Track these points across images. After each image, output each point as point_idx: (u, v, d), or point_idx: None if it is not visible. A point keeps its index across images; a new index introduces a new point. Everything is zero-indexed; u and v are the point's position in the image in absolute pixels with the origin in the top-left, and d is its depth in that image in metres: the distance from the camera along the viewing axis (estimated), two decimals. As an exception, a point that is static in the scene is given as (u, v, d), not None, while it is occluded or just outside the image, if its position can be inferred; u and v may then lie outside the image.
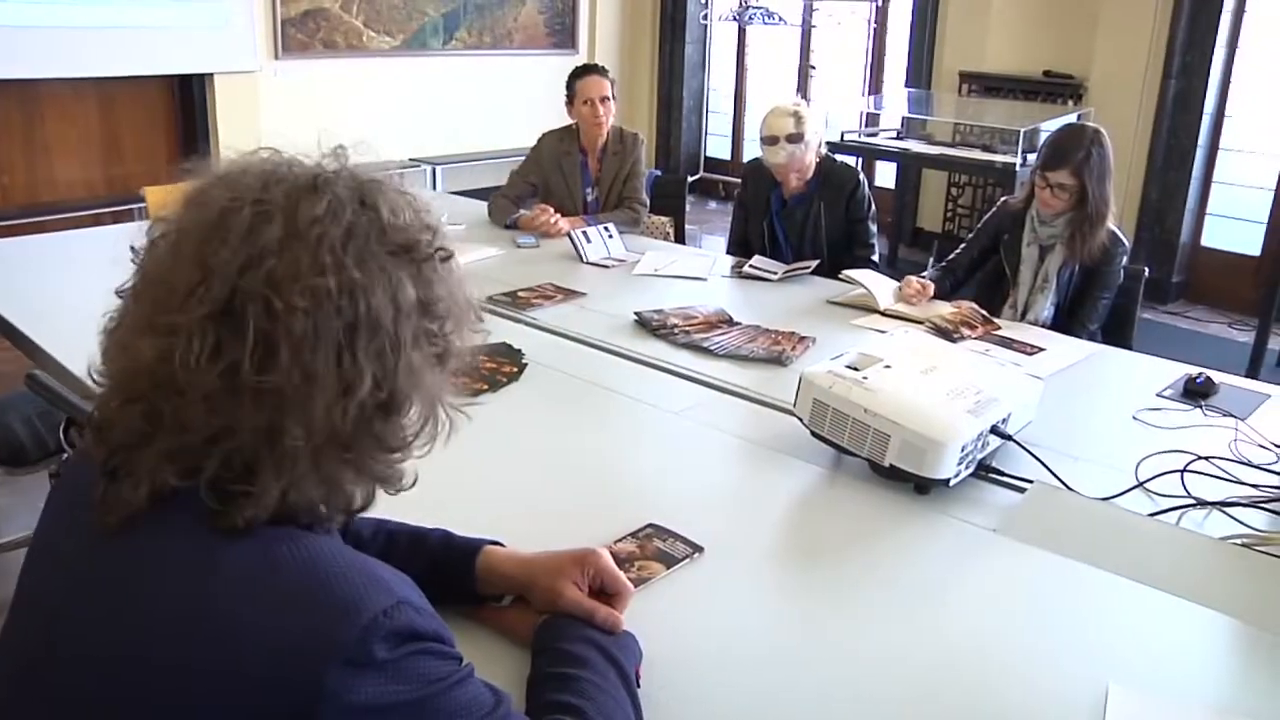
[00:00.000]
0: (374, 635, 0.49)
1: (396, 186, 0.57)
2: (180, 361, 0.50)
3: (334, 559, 0.52)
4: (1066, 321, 1.94)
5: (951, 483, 1.10)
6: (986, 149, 4.02)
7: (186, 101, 4.02)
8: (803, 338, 1.69)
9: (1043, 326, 1.93)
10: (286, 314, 0.50)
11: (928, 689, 0.79)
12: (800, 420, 1.20)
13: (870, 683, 0.79)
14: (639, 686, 0.73)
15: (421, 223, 0.56)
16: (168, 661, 0.49)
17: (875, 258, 2.28)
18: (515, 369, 1.48)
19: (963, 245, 2.15)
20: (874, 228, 2.31)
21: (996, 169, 3.85)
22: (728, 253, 2.46)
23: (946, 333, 1.78)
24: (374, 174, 0.56)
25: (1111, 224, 1.91)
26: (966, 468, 1.12)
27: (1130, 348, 1.90)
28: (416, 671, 0.51)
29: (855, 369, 1.18)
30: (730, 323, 1.77)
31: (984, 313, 1.89)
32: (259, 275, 0.50)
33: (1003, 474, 1.17)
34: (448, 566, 0.79)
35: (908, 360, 1.22)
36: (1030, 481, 1.15)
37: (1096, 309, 1.91)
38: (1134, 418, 1.39)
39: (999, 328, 1.85)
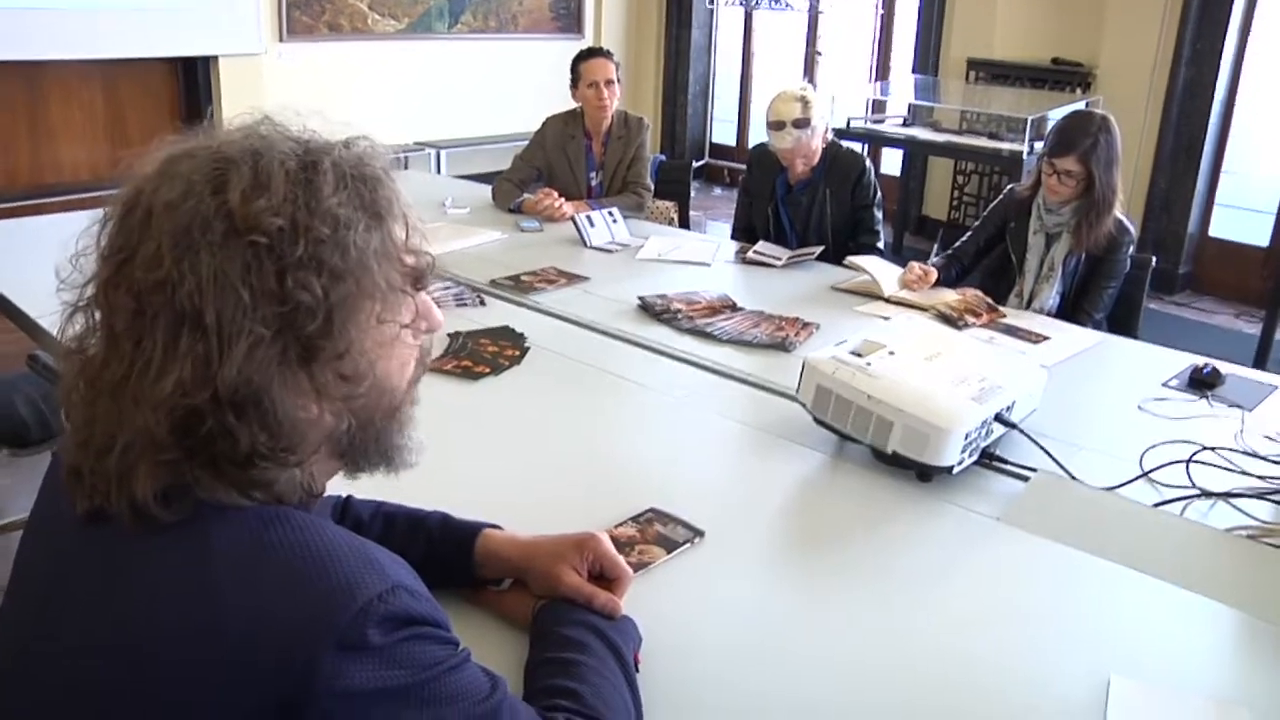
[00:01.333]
0: (368, 619, 0.48)
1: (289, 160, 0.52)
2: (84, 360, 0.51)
3: (327, 542, 0.51)
4: (1072, 310, 1.92)
5: (955, 470, 1.09)
6: (993, 137, 3.97)
7: (190, 84, 4.00)
8: (806, 324, 1.68)
9: (1048, 315, 1.92)
10: (113, 312, 0.50)
11: (928, 677, 0.78)
12: (803, 406, 1.20)
13: (871, 670, 0.79)
14: (638, 672, 0.72)
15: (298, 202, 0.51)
16: (157, 649, 0.48)
17: (880, 245, 2.27)
18: (517, 352, 1.48)
19: (968, 233, 2.13)
20: (879, 215, 2.29)
21: (1003, 157, 3.81)
22: (732, 238, 2.44)
23: (951, 320, 1.76)
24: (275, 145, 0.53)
25: (1118, 212, 1.88)
26: (970, 455, 1.11)
27: (1136, 337, 1.89)
28: (411, 656, 0.50)
29: (859, 355, 1.18)
30: (734, 308, 1.76)
31: (989, 300, 1.87)
32: (113, 268, 0.50)
33: (1006, 462, 1.16)
34: (446, 549, 0.79)
35: (912, 347, 1.21)
36: (1034, 470, 1.14)
37: (1102, 298, 1.90)
38: (1139, 407, 1.38)
39: (1004, 316, 1.83)
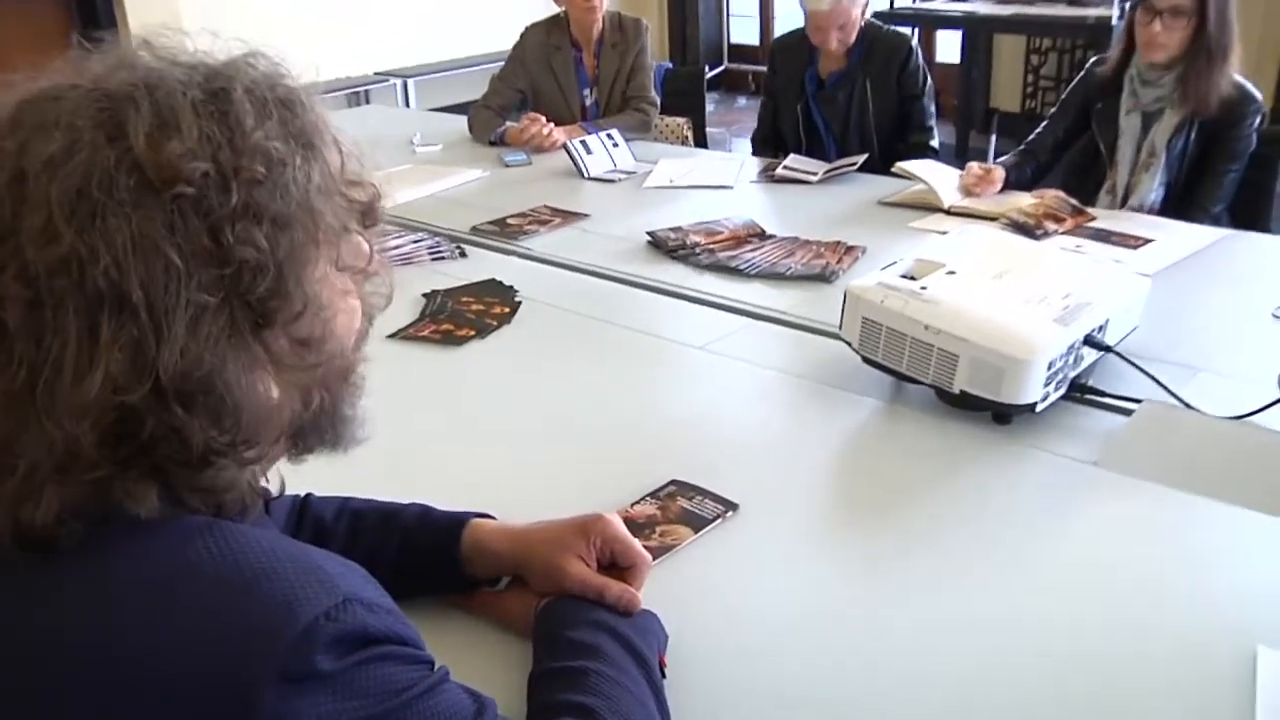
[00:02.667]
0: (315, 642, 0.47)
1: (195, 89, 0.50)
2: None
3: (261, 552, 0.50)
4: (1182, 204, 1.85)
5: (1038, 408, 1.07)
6: (1074, 2, 3.79)
7: (88, 15, 3.86)
8: (850, 248, 1.66)
9: (1150, 213, 1.86)
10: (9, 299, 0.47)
11: (1023, 660, 0.77)
12: (849, 345, 1.19)
13: (950, 657, 0.77)
14: (664, 677, 0.71)
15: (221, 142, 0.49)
16: (72, 703, 0.47)
17: (934, 143, 2.20)
18: (507, 309, 1.47)
19: (1044, 123, 2.04)
20: (931, 108, 2.22)
21: (1088, 26, 3.64)
22: (754, 153, 2.39)
23: (1027, 229, 1.72)
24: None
25: (1237, 75, 1.78)
26: (1056, 389, 1.09)
27: (1268, 230, 1.83)
28: (372, 682, 0.49)
29: (911, 278, 1.15)
30: (763, 236, 1.75)
31: (1073, 202, 1.82)
32: None
33: (1102, 394, 1.14)
34: (428, 547, 0.78)
35: (976, 263, 1.19)
36: (1138, 401, 1.12)
37: (1221, 185, 1.81)
38: (1275, 315, 1.36)
39: (1093, 218, 1.79)
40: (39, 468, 0.48)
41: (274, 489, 0.62)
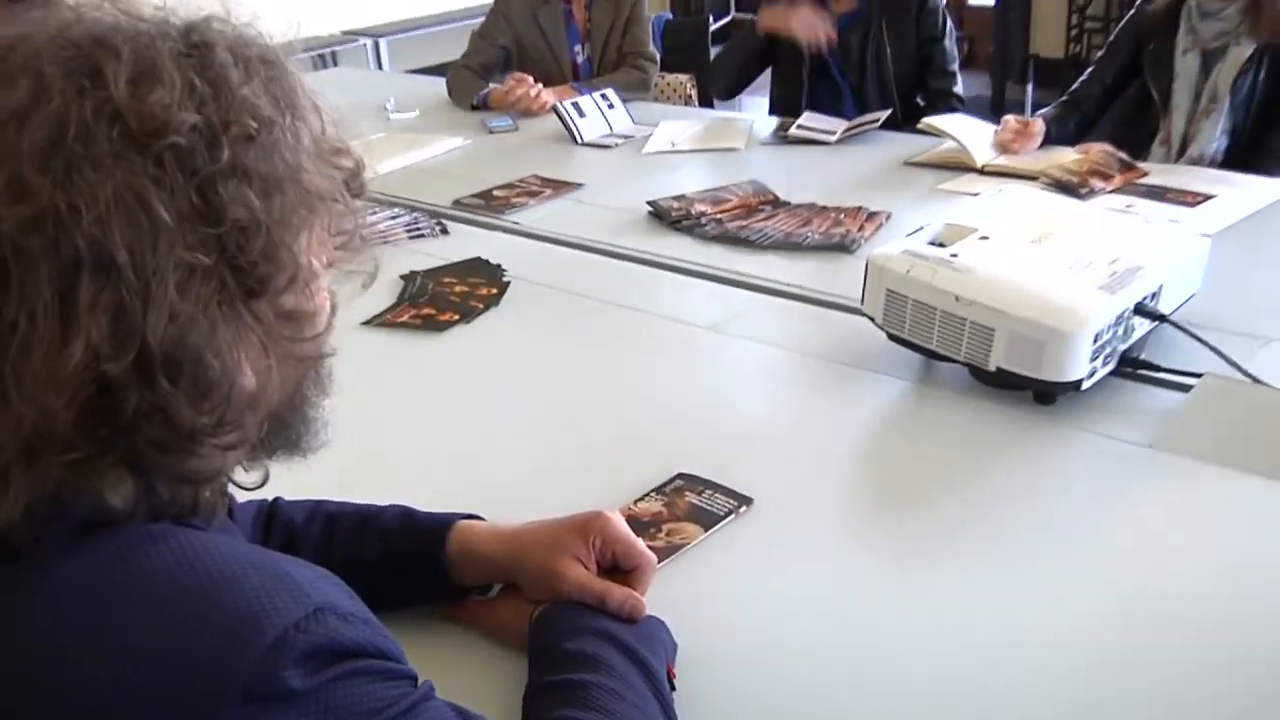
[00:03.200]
0: (284, 657, 0.47)
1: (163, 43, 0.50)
2: None
3: (223, 559, 0.50)
4: (1249, 153, 1.83)
5: (1085, 385, 1.07)
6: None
7: None
8: (873, 214, 1.67)
9: (1211, 165, 1.85)
10: None
11: (1073, 668, 0.76)
12: (873, 321, 1.19)
13: (992, 666, 0.77)
14: (673, 690, 0.71)
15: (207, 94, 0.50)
16: None
17: (958, 89, 2.20)
18: (494, 291, 1.47)
19: (1089, 70, 2.03)
20: (954, 51, 2.21)
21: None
22: (771, 112, 2.38)
23: (1070, 188, 1.72)
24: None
25: None
26: (1104, 364, 1.09)
27: None
28: (348, 701, 0.49)
29: (940, 245, 1.15)
30: (776, 203, 1.76)
31: (1122, 156, 1.81)
32: None
33: (1157, 369, 1.13)
34: (410, 551, 0.79)
35: (1013, 227, 1.18)
36: (1197, 376, 1.11)
37: (1295, 130, 1.79)
38: None
39: (1145, 174, 1.78)
40: (3, 450, 0.48)
41: (250, 484, 0.63)
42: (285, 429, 0.59)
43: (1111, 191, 1.71)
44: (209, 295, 0.49)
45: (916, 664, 0.77)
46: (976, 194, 1.71)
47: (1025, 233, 1.17)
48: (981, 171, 1.84)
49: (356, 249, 0.59)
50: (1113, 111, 2.01)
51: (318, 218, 0.55)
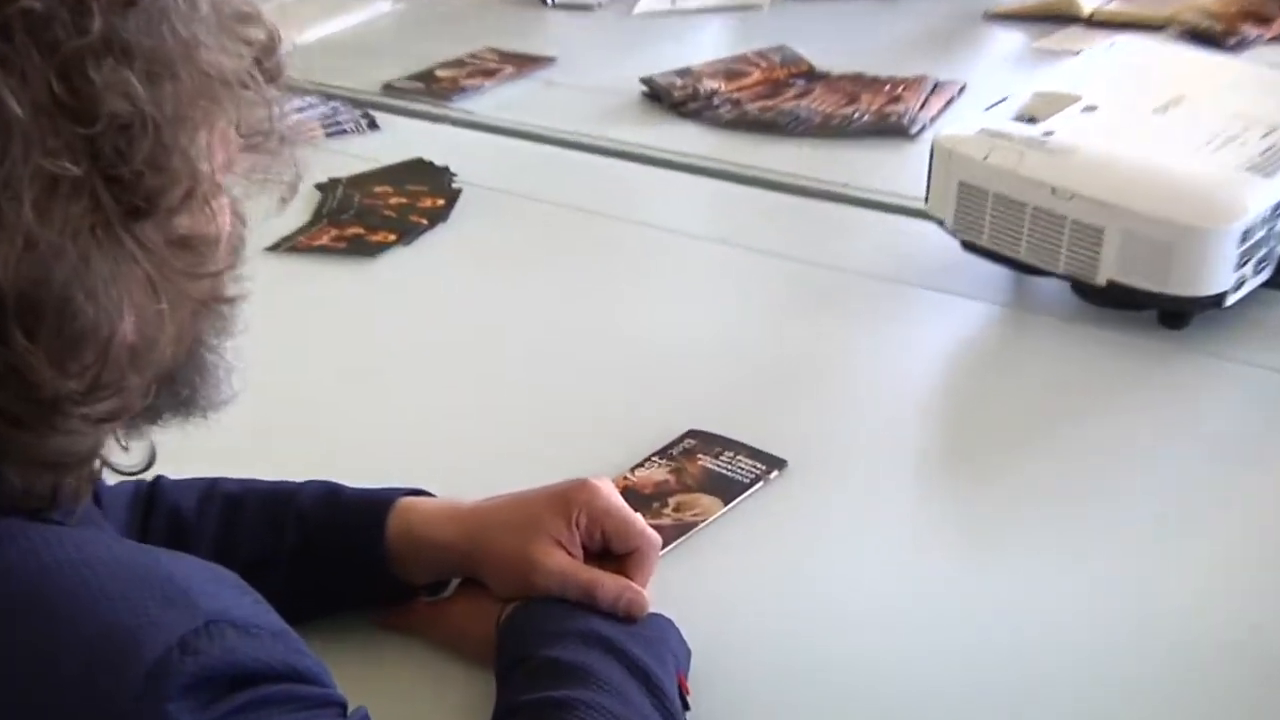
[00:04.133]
0: (167, 687, 0.46)
1: None
2: None
3: (85, 563, 0.50)
4: None
5: (1228, 300, 1.07)
6: None
7: None
8: (940, 85, 1.66)
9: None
10: None
11: (1212, 681, 0.76)
12: (940, 225, 1.19)
13: (1103, 662, 0.77)
14: (686, 708, 0.71)
15: None
16: None
17: None
18: (440, 201, 1.47)
19: None
20: None
21: None
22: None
23: (1211, 37, 1.71)
24: None
25: None
26: (1255, 272, 1.08)
27: None
28: None
29: (1031, 120, 1.15)
30: (811, 75, 1.75)
31: (1282, -5, 1.80)
32: None
33: None
34: (338, 541, 0.79)
35: (1129, 92, 1.19)
36: None
37: None
38: None
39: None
40: None
41: (129, 466, 0.62)
42: (177, 385, 0.59)
43: (1271, 40, 1.70)
44: (78, 217, 0.48)
45: (1002, 664, 0.77)
46: (1079, 51, 1.68)
47: (1147, 99, 1.17)
48: (1089, 21, 1.84)
49: (272, 150, 0.58)
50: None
51: (221, 110, 0.53)
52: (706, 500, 0.92)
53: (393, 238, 1.38)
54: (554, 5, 2.14)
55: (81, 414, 0.51)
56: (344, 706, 0.54)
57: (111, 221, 0.49)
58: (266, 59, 0.57)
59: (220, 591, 0.52)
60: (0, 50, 0.46)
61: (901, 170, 1.40)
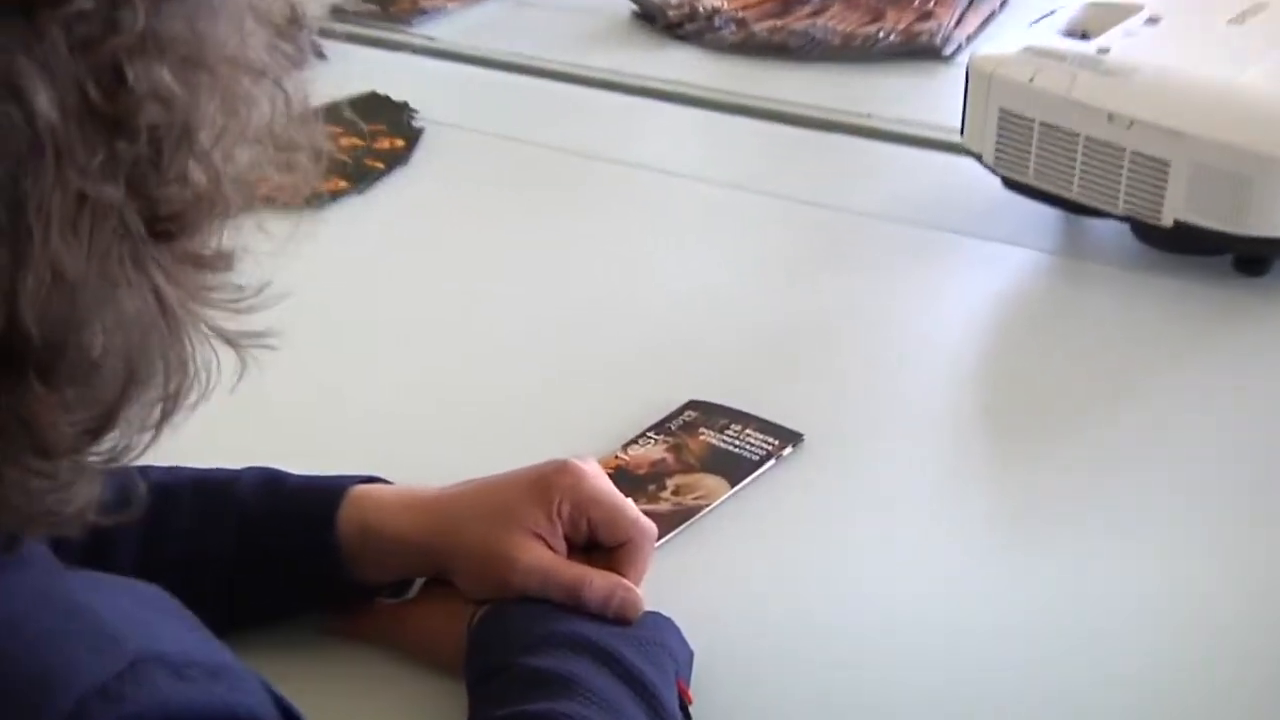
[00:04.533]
0: None
1: None
2: None
3: (4, 602, 0.50)
4: None
5: None
6: None
7: None
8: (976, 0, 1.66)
9: None
10: None
11: None
12: (978, 160, 1.20)
13: (1174, 666, 0.77)
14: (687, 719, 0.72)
15: None
16: None
17: None
18: (400, 142, 1.48)
19: None
20: None
21: None
22: None
23: None
24: None
25: None
26: None
27: None
28: None
29: (1083, 36, 1.16)
30: None
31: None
32: None
33: None
34: (282, 537, 0.79)
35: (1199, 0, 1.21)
36: None
37: None
38: None
39: None
40: None
41: None
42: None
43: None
44: (106, 243, 0.48)
45: (1061, 683, 0.77)
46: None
47: (1220, 7, 1.17)
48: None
49: (289, 145, 0.58)
50: None
51: (253, 108, 0.53)
52: (710, 481, 0.92)
53: (345, 185, 1.37)
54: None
55: (94, 447, 0.51)
56: None
57: (139, 247, 0.49)
58: (288, 38, 0.57)
59: (153, 622, 0.52)
60: (29, 46, 0.46)
61: (933, 98, 1.41)
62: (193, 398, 0.60)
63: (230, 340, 0.58)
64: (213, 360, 0.60)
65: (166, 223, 0.50)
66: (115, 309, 0.49)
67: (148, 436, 0.58)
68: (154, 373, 0.54)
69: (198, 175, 0.51)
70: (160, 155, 0.49)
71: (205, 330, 0.56)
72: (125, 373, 0.50)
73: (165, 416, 0.58)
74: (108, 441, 0.52)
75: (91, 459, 0.52)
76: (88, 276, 0.48)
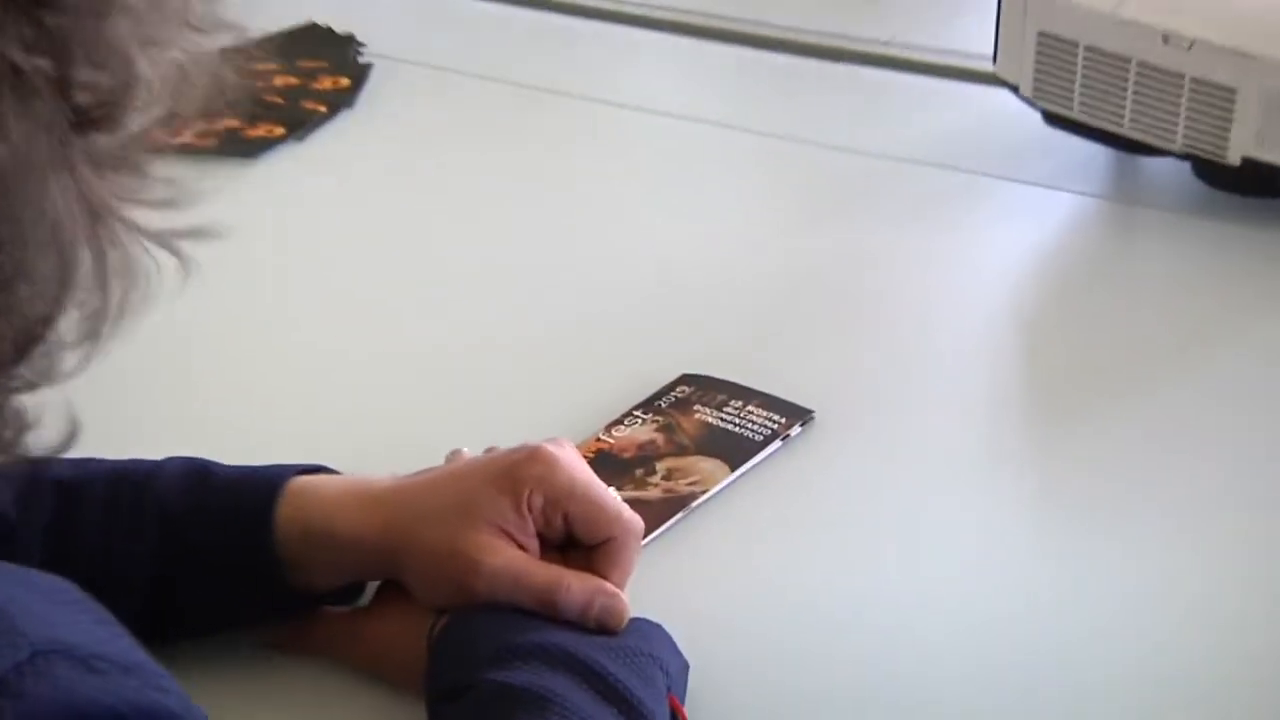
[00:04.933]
0: None
1: None
2: None
3: None
4: None
5: None
6: None
7: None
8: None
9: None
10: None
11: None
12: (1015, 92, 1.21)
13: (1219, 681, 0.77)
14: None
15: None
16: None
17: None
18: (344, 81, 1.49)
19: None
20: None
21: None
22: None
23: None
24: None
25: None
26: None
27: None
28: None
29: None
30: None
31: None
32: None
33: None
34: (210, 537, 0.79)
35: None
36: None
37: None
38: None
39: None
40: None
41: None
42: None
43: None
44: (32, 126, 0.49)
45: (1108, 684, 0.77)
46: None
47: None
48: None
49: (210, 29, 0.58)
50: None
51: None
52: (706, 465, 0.93)
53: (280, 131, 1.39)
54: None
55: (27, 370, 0.51)
56: None
57: (65, 135, 0.49)
58: None
59: (54, 613, 0.52)
60: None
61: (961, 20, 1.43)
62: (127, 310, 0.59)
63: (161, 242, 0.57)
64: (151, 268, 0.61)
65: (90, 111, 0.50)
66: (42, 203, 0.49)
67: (77, 355, 0.58)
68: (83, 277, 0.53)
69: (119, 60, 0.50)
70: (85, 30, 0.49)
71: (136, 233, 0.55)
72: (56, 275, 0.50)
73: (96, 332, 0.58)
74: (36, 359, 0.52)
75: (14, 383, 0.52)
76: (14, 164, 0.48)
